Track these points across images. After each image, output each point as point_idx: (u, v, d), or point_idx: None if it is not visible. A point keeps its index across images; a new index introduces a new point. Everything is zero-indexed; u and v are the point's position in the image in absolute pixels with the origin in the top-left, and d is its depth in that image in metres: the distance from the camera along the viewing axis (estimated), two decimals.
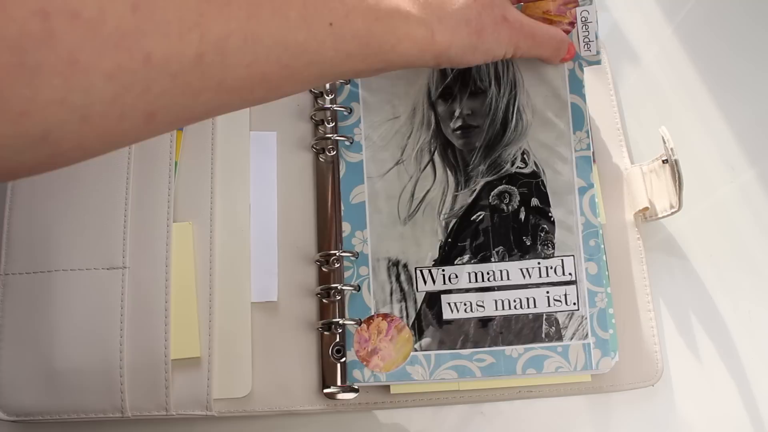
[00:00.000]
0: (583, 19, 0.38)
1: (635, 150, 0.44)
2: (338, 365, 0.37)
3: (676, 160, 0.37)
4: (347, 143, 0.40)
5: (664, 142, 0.38)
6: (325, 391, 0.37)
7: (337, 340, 0.37)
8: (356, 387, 0.37)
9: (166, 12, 0.20)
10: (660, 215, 0.40)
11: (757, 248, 0.43)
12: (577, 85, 0.38)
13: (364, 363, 0.36)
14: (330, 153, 0.40)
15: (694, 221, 0.43)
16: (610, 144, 0.43)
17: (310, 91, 0.41)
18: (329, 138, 0.40)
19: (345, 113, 0.40)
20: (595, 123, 0.43)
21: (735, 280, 0.42)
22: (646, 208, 0.40)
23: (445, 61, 0.30)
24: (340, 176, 0.39)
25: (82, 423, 0.36)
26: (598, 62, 0.38)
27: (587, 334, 0.36)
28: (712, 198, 0.44)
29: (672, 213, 0.39)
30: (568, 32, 0.38)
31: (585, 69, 0.39)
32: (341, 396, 0.37)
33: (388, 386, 0.37)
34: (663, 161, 0.39)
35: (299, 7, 0.24)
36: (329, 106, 0.40)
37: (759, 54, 0.47)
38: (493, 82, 0.39)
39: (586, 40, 0.38)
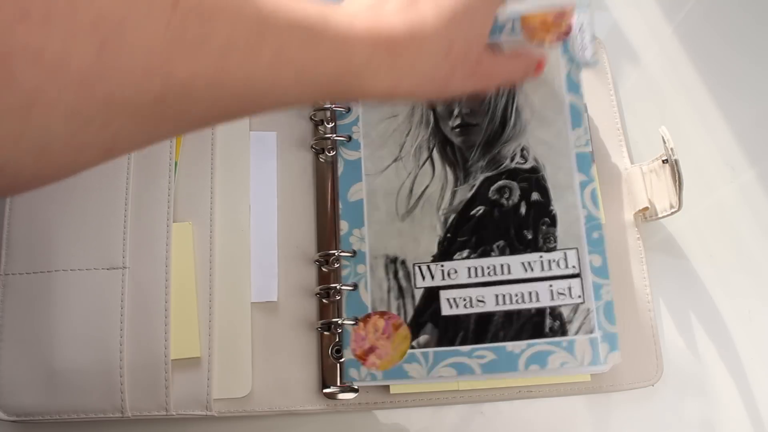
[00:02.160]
0: (580, 24, 0.39)
1: (635, 150, 0.44)
2: (338, 365, 0.37)
3: (676, 160, 0.37)
4: (345, 141, 0.40)
5: (664, 142, 0.38)
6: (325, 391, 0.37)
7: (337, 340, 0.37)
8: (356, 387, 0.37)
9: (132, 56, 0.19)
10: (660, 215, 0.40)
11: (757, 248, 0.43)
12: (574, 86, 0.39)
13: (361, 361, 0.36)
14: (330, 153, 0.40)
15: (694, 221, 0.43)
16: (609, 144, 0.43)
17: None
18: (329, 138, 0.40)
19: (343, 111, 0.40)
20: (595, 123, 0.43)
21: (735, 280, 0.42)
22: (646, 208, 0.40)
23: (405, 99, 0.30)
24: (338, 174, 0.39)
25: (82, 423, 0.36)
26: (596, 64, 0.39)
27: (594, 328, 0.35)
28: (712, 198, 0.44)
29: (672, 213, 0.38)
30: (563, 38, 0.38)
31: (583, 70, 0.39)
32: (341, 396, 0.37)
33: (388, 386, 0.37)
34: (663, 161, 0.39)
35: (270, 55, 0.23)
36: (329, 106, 0.40)
37: (759, 54, 0.47)
38: None
39: (583, 44, 0.39)
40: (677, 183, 0.37)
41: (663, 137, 0.38)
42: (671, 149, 0.37)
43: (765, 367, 0.40)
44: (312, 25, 0.25)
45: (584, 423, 0.39)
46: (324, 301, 0.38)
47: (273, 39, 0.23)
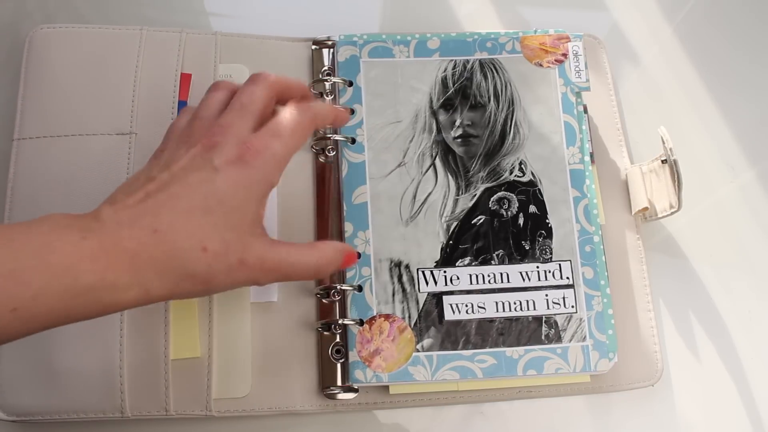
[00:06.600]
0: (574, 51, 0.42)
1: (635, 150, 0.44)
2: (338, 365, 0.37)
3: (675, 160, 0.37)
4: (349, 143, 0.40)
5: (663, 142, 0.38)
6: (325, 391, 0.37)
7: (337, 340, 0.37)
8: (356, 387, 0.37)
9: None
10: (660, 215, 0.40)
11: (757, 248, 0.43)
12: (569, 107, 0.41)
13: (367, 363, 0.36)
14: (330, 153, 0.40)
15: (694, 221, 0.43)
16: (610, 144, 0.43)
17: (310, 91, 0.41)
18: (329, 138, 0.40)
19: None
20: (595, 123, 0.44)
21: (735, 280, 0.42)
22: (646, 208, 0.40)
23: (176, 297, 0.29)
24: (342, 176, 0.39)
25: (82, 423, 0.36)
26: (588, 88, 0.41)
27: (585, 337, 0.37)
28: (712, 198, 0.44)
29: (672, 213, 0.39)
30: (561, 62, 0.41)
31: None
32: (341, 396, 0.37)
33: (388, 386, 0.37)
34: (662, 161, 0.39)
35: None
36: None
37: (759, 54, 0.47)
38: (492, 98, 0.41)
39: (577, 69, 0.42)
40: (676, 183, 0.37)
41: (662, 137, 0.38)
42: (670, 149, 0.37)
43: (765, 367, 0.40)
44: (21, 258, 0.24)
45: (584, 423, 0.39)
46: (324, 301, 0.38)
47: None
